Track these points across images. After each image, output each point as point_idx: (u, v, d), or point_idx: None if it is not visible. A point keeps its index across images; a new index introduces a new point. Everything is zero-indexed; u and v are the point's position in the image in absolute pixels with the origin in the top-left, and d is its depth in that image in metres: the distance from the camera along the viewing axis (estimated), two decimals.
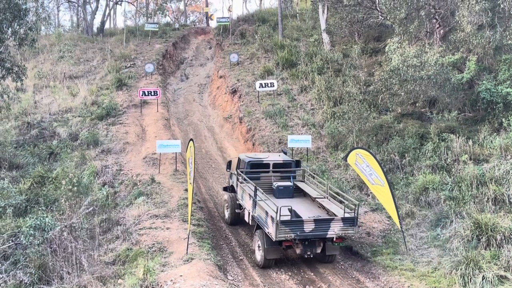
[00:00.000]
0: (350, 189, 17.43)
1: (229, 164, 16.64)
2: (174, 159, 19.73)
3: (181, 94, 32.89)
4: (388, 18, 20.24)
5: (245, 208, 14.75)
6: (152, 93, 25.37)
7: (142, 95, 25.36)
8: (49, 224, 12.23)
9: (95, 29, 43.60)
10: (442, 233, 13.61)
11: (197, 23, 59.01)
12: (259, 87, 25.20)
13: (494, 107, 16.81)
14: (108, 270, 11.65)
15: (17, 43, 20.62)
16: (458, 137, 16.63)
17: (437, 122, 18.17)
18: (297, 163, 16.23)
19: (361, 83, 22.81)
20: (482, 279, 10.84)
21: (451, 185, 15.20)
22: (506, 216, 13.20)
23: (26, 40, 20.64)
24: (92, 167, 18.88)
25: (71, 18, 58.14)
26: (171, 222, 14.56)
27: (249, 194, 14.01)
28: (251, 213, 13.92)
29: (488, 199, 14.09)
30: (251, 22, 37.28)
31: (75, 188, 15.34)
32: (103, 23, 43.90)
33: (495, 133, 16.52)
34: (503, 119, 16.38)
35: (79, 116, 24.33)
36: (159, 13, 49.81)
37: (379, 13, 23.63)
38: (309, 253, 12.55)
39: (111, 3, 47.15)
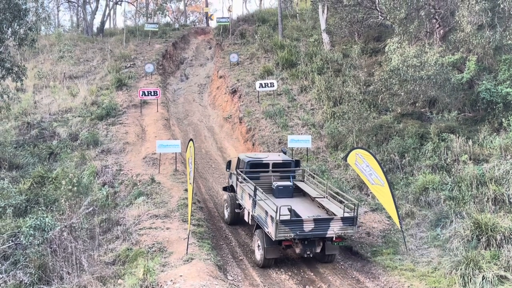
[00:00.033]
0: (350, 189, 17.43)
1: (228, 164, 16.65)
2: (174, 159, 19.73)
3: (181, 94, 32.89)
4: (388, 18, 20.23)
5: (244, 207, 14.77)
6: (152, 93, 25.38)
7: (142, 95, 25.36)
8: (49, 224, 12.23)
9: (95, 29, 43.60)
10: (442, 233, 13.61)
11: (197, 23, 59.01)
12: (259, 87, 25.21)
13: (494, 107, 16.81)
14: (108, 270, 11.64)
15: (17, 43, 20.62)
16: (458, 137, 16.63)
17: (437, 122, 18.17)
18: (297, 163, 16.24)
19: (361, 83, 22.81)
20: (482, 279, 10.83)
21: (451, 185, 15.20)
22: (506, 216, 13.20)
23: (26, 40, 20.65)
24: (92, 167, 18.88)
25: (71, 18, 58.20)
26: (171, 222, 14.56)
27: (249, 194, 14.02)
28: (250, 213, 13.94)
29: (488, 199, 14.09)
30: (251, 22, 37.28)
31: (75, 188, 15.36)
32: (103, 23, 43.90)
33: (495, 133, 16.52)
34: (503, 119, 16.38)
35: (79, 116, 24.34)
36: (159, 13, 49.81)
37: (379, 13, 23.63)
38: (308, 252, 12.57)
39: (111, 3, 47.16)
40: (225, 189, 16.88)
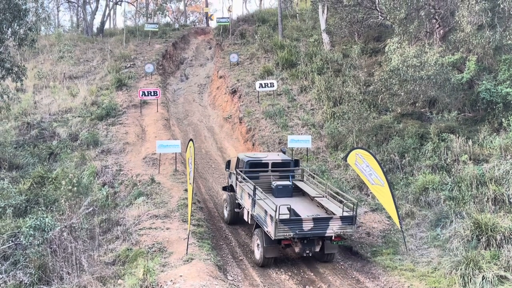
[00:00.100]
0: (350, 189, 17.43)
1: (228, 164, 16.66)
2: (174, 159, 19.73)
3: (181, 94, 32.89)
4: (388, 18, 20.23)
5: (244, 207, 14.79)
6: (152, 93, 25.39)
7: (142, 95, 25.36)
8: (49, 225, 12.23)
9: (95, 29, 43.61)
10: (442, 233, 13.61)
11: (197, 23, 59.01)
12: (259, 87, 25.21)
13: (494, 107, 16.81)
14: (108, 270, 11.64)
15: (17, 43, 20.64)
16: (458, 137, 16.62)
17: (437, 122, 18.17)
18: (296, 163, 16.26)
19: (361, 83, 22.81)
20: (482, 279, 10.83)
21: (451, 185, 15.20)
22: (506, 216, 13.20)
23: (26, 40, 20.66)
24: (92, 167, 18.88)
25: (71, 18, 58.21)
26: (171, 222, 14.56)
27: (248, 193, 14.04)
28: (250, 212, 13.97)
29: (488, 199, 14.09)
30: (251, 22, 37.28)
31: (75, 188, 15.37)
32: (103, 23, 43.92)
33: (495, 133, 16.51)
34: (503, 119, 16.38)
35: (79, 116, 24.34)
36: (159, 13, 49.85)
37: (379, 13, 23.62)
38: (308, 251, 12.61)
39: (111, 3, 47.18)
40: (224, 188, 16.89)
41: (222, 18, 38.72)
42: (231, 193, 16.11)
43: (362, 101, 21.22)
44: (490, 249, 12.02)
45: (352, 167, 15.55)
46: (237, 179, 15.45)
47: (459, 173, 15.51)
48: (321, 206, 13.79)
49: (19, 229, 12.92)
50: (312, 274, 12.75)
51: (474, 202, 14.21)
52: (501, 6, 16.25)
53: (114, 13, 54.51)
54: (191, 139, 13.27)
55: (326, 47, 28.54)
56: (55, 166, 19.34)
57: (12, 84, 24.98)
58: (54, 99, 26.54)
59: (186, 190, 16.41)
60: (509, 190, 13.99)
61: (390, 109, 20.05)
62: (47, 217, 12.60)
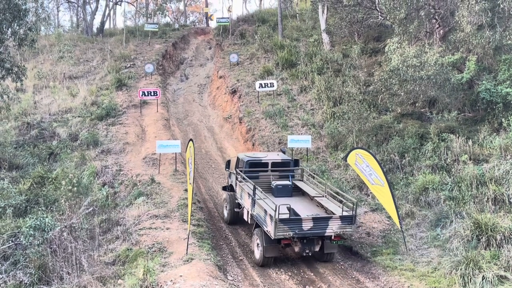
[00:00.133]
0: (350, 189, 17.43)
1: (228, 164, 16.67)
2: (174, 159, 19.73)
3: (181, 94, 32.89)
4: (388, 18, 20.23)
5: (244, 207, 14.80)
6: (152, 93, 25.39)
7: (142, 96, 25.36)
8: (49, 225, 12.23)
9: (94, 30, 43.62)
10: (442, 233, 13.61)
11: (197, 24, 59.02)
12: (259, 87, 25.21)
13: (494, 107, 16.81)
14: (108, 270, 11.64)
15: (17, 43, 20.64)
16: (458, 137, 16.63)
17: (437, 122, 18.17)
18: (296, 162, 16.27)
19: (360, 83, 22.81)
20: (482, 279, 10.83)
21: (451, 185, 15.20)
22: (506, 216, 13.20)
23: (25, 41, 20.67)
24: (92, 168, 18.88)
25: (71, 19, 58.19)
26: (171, 222, 14.56)
27: (248, 193, 14.04)
28: (250, 212, 13.97)
29: (488, 199, 14.08)
30: (251, 22, 37.28)
31: (75, 188, 15.37)
32: (102, 23, 43.93)
33: (495, 133, 16.51)
34: (503, 119, 16.38)
35: (79, 116, 24.34)
36: (159, 13, 49.87)
37: (379, 13, 23.62)
38: (307, 251, 12.63)
39: (110, 4, 47.18)
40: (224, 188, 16.90)
41: (222, 18, 38.72)
42: (231, 192, 16.12)
43: (362, 101, 21.22)
44: (490, 249, 12.01)
45: (352, 167, 15.55)
46: (237, 178, 15.46)
47: (459, 173, 15.51)
48: (321, 205, 13.81)
49: (19, 229, 12.92)
50: (312, 274, 12.75)
51: (474, 202, 14.21)
52: (501, 6, 16.25)
53: (114, 13, 54.57)
54: (191, 139, 13.27)
55: (326, 47, 28.54)
56: (55, 166, 19.34)
57: (12, 84, 24.98)
58: (54, 99, 26.54)
59: (186, 190, 16.41)
60: (509, 190, 13.99)
61: (390, 109, 20.05)
62: (47, 217, 12.60)
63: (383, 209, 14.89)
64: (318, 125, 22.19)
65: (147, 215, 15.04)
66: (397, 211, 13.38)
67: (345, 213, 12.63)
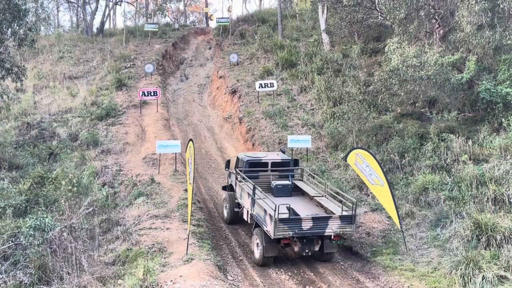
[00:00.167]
0: (350, 189, 17.43)
1: (227, 163, 16.68)
2: (174, 159, 19.73)
3: (181, 94, 32.89)
4: (388, 18, 20.23)
5: (244, 206, 14.80)
6: (152, 94, 25.39)
7: (141, 96, 25.37)
8: (49, 225, 12.23)
9: (94, 30, 43.63)
10: (442, 233, 13.61)
11: (197, 24, 59.02)
12: (259, 87, 25.22)
13: (494, 107, 16.81)
14: (108, 270, 11.64)
15: (17, 43, 20.66)
16: (458, 137, 16.63)
17: (436, 122, 18.17)
18: (295, 162, 16.27)
19: (360, 83, 22.81)
20: (482, 279, 10.83)
21: (451, 185, 15.20)
22: (506, 216, 13.20)
23: (25, 41, 20.68)
24: (92, 168, 18.88)
25: (71, 19, 58.14)
26: (171, 223, 14.56)
27: (248, 193, 14.05)
28: (249, 212, 13.98)
29: (488, 199, 14.08)
30: (250, 23, 37.28)
31: (75, 188, 15.37)
32: (102, 23, 43.93)
33: (495, 133, 16.51)
34: (503, 119, 16.38)
35: (78, 116, 24.34)
36: (159, 13, 49.89)
37: (379, 13, 23.62)
38: (307, 251, 12.64)
39: (110, 4, 47.20)
40: (224, 188, 16.91)
41: (222, 18, 38.72)
42: (231, 192, 16.12)
43: (362, 101, 21.22)
44: (490, 249, 12.02)
45: (352, 167, 15.55)
46: (236, 178, 15.46)
47: (459, 173, 15.51)
48: (321, 205, 13.82)
49: (19, 229, 12.92)
50: (312, 274, 12.76)
51: (474, 202, 14.21)
52: (501, 6, 16.24)
53: (114, 13, 54.58)
54: (191, 139, 13.27)
55: (326, 47, 28.54)
56: (55, 166, 19.33)
57: (12, 84, 24.99)
58: (54, 99, 26.54)
59: (186, 190, 16.41)
60: (509, 190, 13.99)
61: (390, 109, 20.05)
62: (47, 217, 12.60)
63: (383, 209, 14.89)
64: (318, 125, 22.19)
65: (147, 215, 15.04)
66: (397, 211, 13.38)
67: (344, 213, 12.65)
